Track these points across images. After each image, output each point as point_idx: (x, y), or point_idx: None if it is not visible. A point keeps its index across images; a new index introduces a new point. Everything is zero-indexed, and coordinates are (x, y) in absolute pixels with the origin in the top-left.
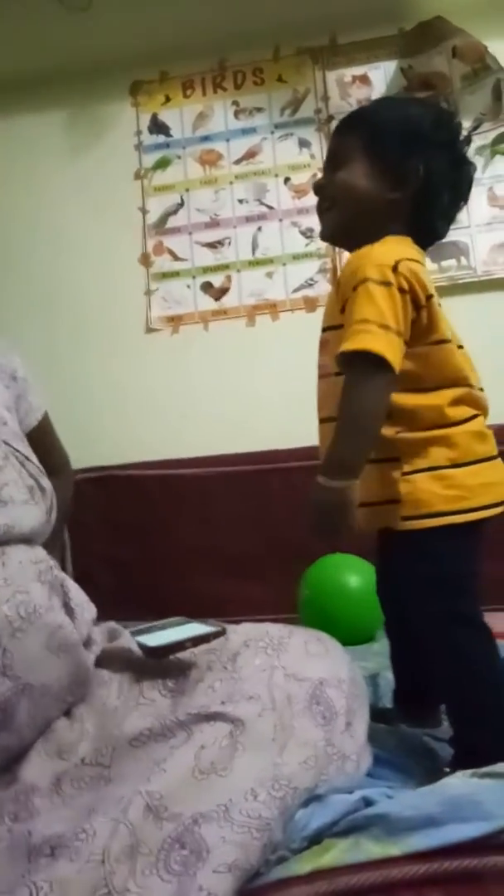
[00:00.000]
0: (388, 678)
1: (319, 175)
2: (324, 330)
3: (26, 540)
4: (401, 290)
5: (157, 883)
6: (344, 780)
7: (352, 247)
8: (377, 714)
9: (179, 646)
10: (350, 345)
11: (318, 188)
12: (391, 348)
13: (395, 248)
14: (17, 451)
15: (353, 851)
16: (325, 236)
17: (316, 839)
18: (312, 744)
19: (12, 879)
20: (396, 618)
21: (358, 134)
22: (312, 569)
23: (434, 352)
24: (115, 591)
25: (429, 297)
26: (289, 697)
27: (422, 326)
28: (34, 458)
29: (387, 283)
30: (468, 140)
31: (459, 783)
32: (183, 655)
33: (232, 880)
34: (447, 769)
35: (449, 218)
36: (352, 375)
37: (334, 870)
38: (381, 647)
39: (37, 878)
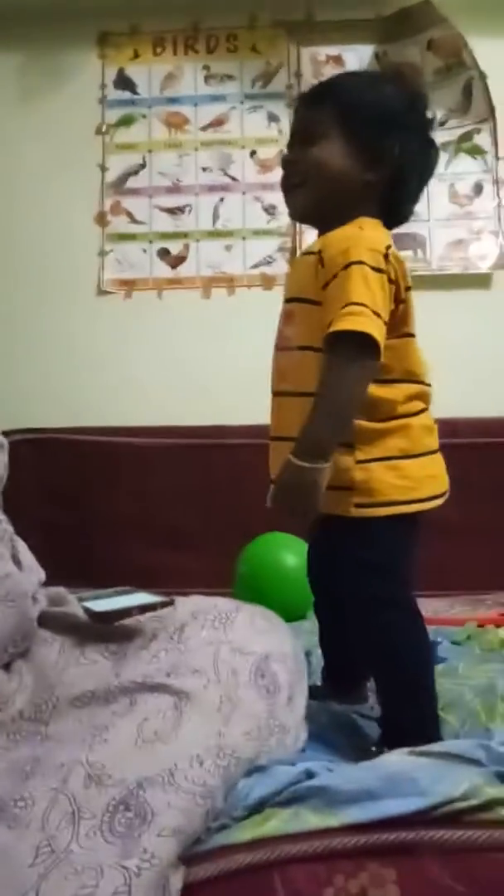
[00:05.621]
0: (319, 655)
1: (286, 150)
2: (289, 300)
3: None
4: (389, 280)
5: (101, 844)
6: (285, 753)
7: (322, 227)
8: (308, 691)
9: (126, 612)
10: (347, 325)
11: (288, 163)
12: (382, 337)
13: (381, 235)
14: None
15: (294, 821)
16: (295, 215)
17: (257, 808)
18: (256, 715)
19: None
20: (327, 599)
21: (332, 109)
22: (250, 546)
23: (401, 345)
24: (48, 557)
25: (407, 288)
26: (234, 671)
27: (396, 319)
28: None
29: (380, 271)
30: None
31: (397, 760)
32: (128, 622)
33: (175, 844)
34: (374, 748)
35: (415, 202)
36: (340, 357)
37: (275, 838)
38: (312, 625)
39: None
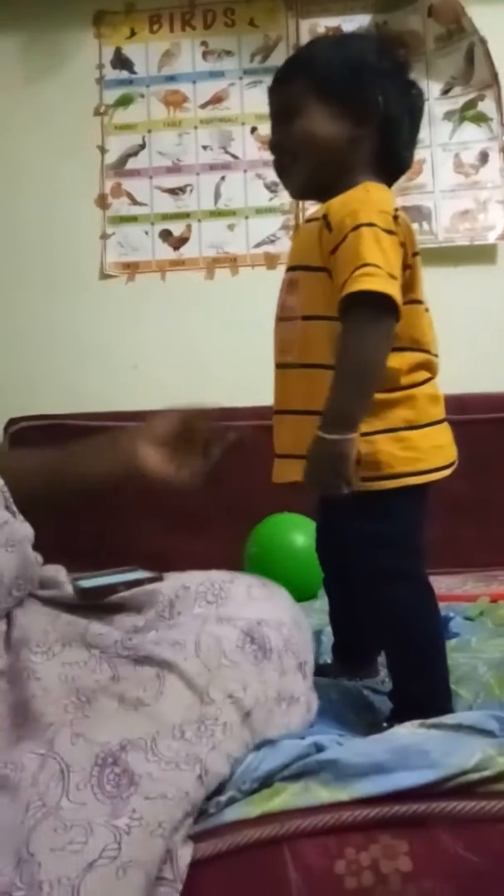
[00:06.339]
0: (329, 634)
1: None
2: (293, 269)
3: None
4: (401, 243)
5: (91, 799)
6: (300, 722)
7: (326, 199)
8: (318, 668)
9: (112, 589)
10: (363, 285)
11: (276, 145)
12: (399, 299)
13: (389, 197)
14: None
15: (303, 796)
16: (296, 194)
17: (266, 782)
18: (242, 680)
19: None
20: (337, 574)
21: (304, 80)
22: (260, 527)
23: (408, 311)
24: (58, 543)
25: (414, 254)
26: (217, 639)
27: (403, 284)
28: None
29: (391, 233)
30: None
31: (407, 733)
32: (113, 598)
33: (164, 806)
34: (385, 724)
35: (412, 146)
36: (358, 320)
37: (285, 813)
38: (322, 604)
39: None
